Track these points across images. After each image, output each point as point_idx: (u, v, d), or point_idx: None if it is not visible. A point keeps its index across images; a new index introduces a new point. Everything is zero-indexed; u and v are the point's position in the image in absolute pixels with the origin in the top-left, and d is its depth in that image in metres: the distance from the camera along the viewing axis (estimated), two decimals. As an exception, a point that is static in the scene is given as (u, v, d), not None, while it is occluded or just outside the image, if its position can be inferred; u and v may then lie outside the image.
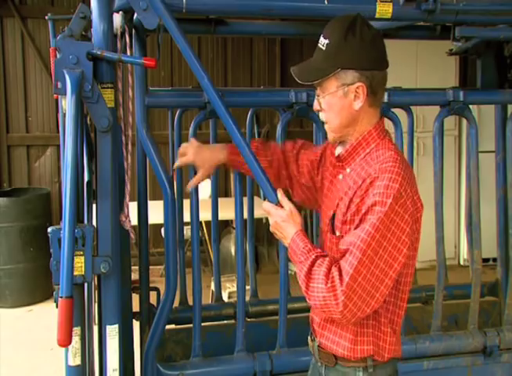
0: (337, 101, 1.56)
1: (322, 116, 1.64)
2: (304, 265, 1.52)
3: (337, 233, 1.59)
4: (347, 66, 1.53)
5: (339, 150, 1.68)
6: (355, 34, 1.52)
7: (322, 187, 1.79)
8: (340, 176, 1.66)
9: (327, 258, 1.52)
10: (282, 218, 1.64)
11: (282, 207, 1.66)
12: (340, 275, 1.45)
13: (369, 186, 1.49)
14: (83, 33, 1.90)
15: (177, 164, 2.10)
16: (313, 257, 1.52)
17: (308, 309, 1.79)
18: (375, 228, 1.44)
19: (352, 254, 1.45)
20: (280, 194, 1.69)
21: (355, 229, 1.49)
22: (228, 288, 3.93)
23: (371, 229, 1.44)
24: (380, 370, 1.61)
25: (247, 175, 2.12)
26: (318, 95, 1.61)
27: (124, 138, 1.91)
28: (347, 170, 1.63)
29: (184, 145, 2.08)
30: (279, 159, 1.97)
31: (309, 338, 1.76)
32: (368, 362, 1.60)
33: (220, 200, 2.75)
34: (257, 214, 2.79)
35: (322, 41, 1.56)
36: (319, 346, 1.67)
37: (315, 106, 1.64)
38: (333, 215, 1.61)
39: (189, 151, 2.03)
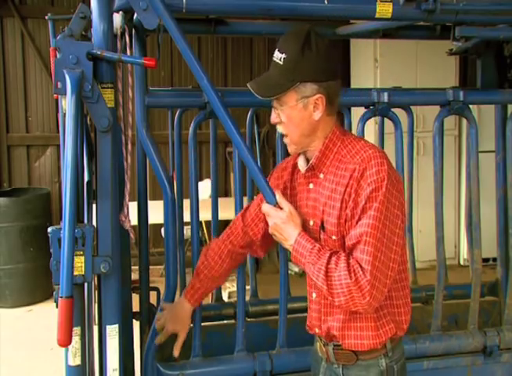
0: (297, 113, 1.61)
1: (280, 129, 1.67)
2: (321, 264, 1.54)
3: (334, 237, 1.60)
4: (306, 79, 1.57)
5: (302, 163, 1.72)
6: (311, 47, 1.56)
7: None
8: (311, 185, 1.69)
9: (341, 254, 1.55)
10: (282, 219, 1.64)
11: (281, 208, 1.66)
12: (361, 266, 1.50)
13: (360, 178, 1.54)
14: (83, 33, 1.90)
15: (158, 340, 2.09)
16: (327, 255, 1.55)
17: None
18: (379, 211, 1.51)
19: (367, 243, 1.50)
20: (279, 196, 1.69)
21: (359, 221, 1.53)
22: (228, 288, 3.94)
23: (376, 213, 1.51)
24: (397, 350, 1.71)
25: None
26: (276, 109, 1.64)
27: (124, 138, 1.91)
28: (321, 175, 1.66)
29: (157, 316, 2.09)
30: (226, 246, 2.00)
31: (318, 344, 1.76)
32: (387, 346, 1.66)
33: (220, 200, 2.74)
34: (257, 214, 2.79)
35: (279, 56, 1.59)
36: (335, 348, 1.68)
37: (274, 119, 1.67)
38: (322, 223, 1.63)
39: (166, 323, 2.05)
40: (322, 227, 1.63)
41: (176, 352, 2.05)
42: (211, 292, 2.16)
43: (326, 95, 1.59)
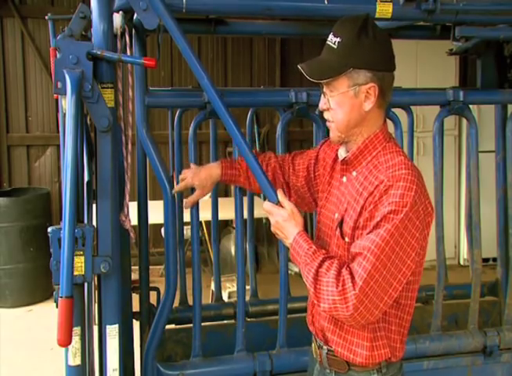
0: (348, 101, 1.54)
1: (328, 115, 1.60)
2: (312, 266, 1.51)
3: (347, 240, 1.56)
4: (360, 66, 1.50)
5: (342, 152, 1.66)
6: (368, 34, 1.50)
7: (321, 190, 1.78)
8: (344, 179, 1.64)
9: (335, 260, 1.51)
10: (283, 217, 1.62)
11: (282, 207, 1.65)
12: (353, 278, 1.45)
13: (384, 193, 1.47)
14: (83, 33, 1.90)
15: (176, 188, 2.12)
16: (320, 258, 1.51)
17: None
18: (390, 234, 1.44)
19: (366, 259, 1.44)
20: (281, 194, 1.68)
21: (368, 233, 1.47)
22: (229, 288, 3.93)
23: (386, 234, 1.44)
24: (392, 368, 1.63)
25: (246, 188, 2.13)
26: (325, 94, 1.58)
27: (124, 138, 1.91)
28: (354, 173, 1.61)
29: (184, 170, 2.12)
30: (275, 163, 1.98)
31: (314, 344, 1.74)
32: (382, 363, 1.60)
33: (220, 200, 2.75)
34: (257, 214, 2.80)
35: (333, 40, 1.53)
36: (328, 353, 1.65)
37: (322, 105, 1.60)
38: (341, 220, 1.59)
39: (188, 175, 2.08)
40: (341, 224, 1.59)
41: (187, 205, 2.11)
42: (238, 185, 2.15)
43: (380, 86, 1.51)
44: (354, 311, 1.44)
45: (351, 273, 1.46)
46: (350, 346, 1.59)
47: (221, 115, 1.84)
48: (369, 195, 1.50)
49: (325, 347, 1.66)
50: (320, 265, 1.50)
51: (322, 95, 1.60)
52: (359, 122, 1.57)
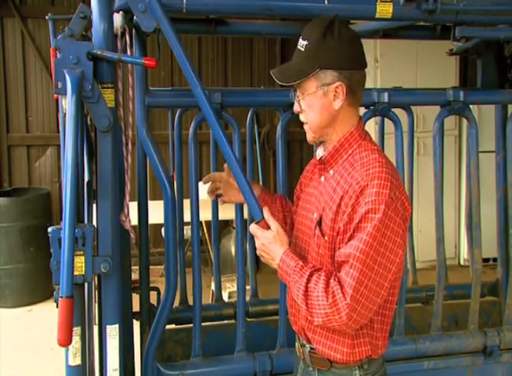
0: (317, 101, 1.57)
1: (302, 117, 1.64)
2: (301, 284, 1.51)
3: (326, 238, 1.57)
4: (326, 66, 1.54)
5: (320, 152, 1.68)
6: (333, 34, 1.53)
7: (304, 192, 1.78)
8: (322, 178, 1.66)
9: (322, 272, 1.51)
10: (268, 239, 1.61)
11: (268, 226, 1.64)
12: (342, 287, 1.45)
13: (360, 194, 1.48)
14: (83, 33, 1.90)
15: (209, 185, 2.10)
16: (308, 273, 1.51)
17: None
18: (371, 236, 1.44)
19: (353, 267, 1.44)
20: (266, 212, 1.66)
21: (350, 239, 1.48)
22: (229, 288, 3.93)
23: (368, 238, 1.44)
24: (374, 364, 1.64)
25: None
26: (298, 97, 1.62)
27: (124, 138, 1.91)
28: (331, 172, 1.63)
29: (218, 174, 2.09)
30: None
31: (297, 343, 1.75)
32: (363, 360, 1.61)
33: (220, 200, 2.75)
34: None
35: (301, 43, 1.57)
36: (311, 351, 1.66)
37: (296, 107, 1.65)
38: (320, 219, 1.59)
39: (220, 184, 2.05)
40: (319, 223, 1.59)
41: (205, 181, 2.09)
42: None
43: (347, 84, 1.54)
44: (348, 320, 1.45)
45: (340, 283, 1.46)
46: (331, 344, 1.60)
47: (212, 124, 1.80)
48: (344, 193, 1.52)
49: (307, 345, 1.67)
50: (308, 281, 1.50)
51: (295, 99, 1.64)
52: (331, 121, 1.60)
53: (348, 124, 1.61)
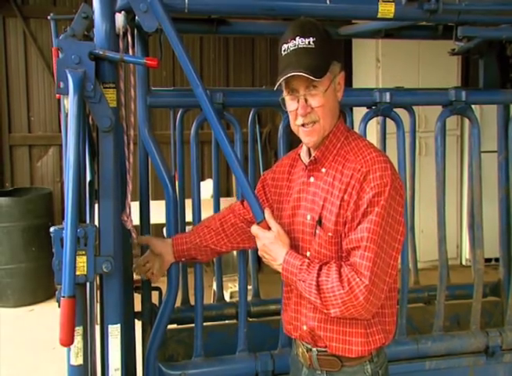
0: (331, 95, 1.60)
1: (310, 117, 1.58)
2: (312, 280, 1.51)
3: (330, 234, 1.57)
4: (335, 58, 1.58)
5: (304, 156, 1.69)
6: (325, 30, 1.60)
7: (279, 202, 1.78)
8: (312, 179, 1.66)
9: (332, 264, 1.52)
10: (269, 240, 1.62)
11: (269, 227, 1.64)
12: (357, 272, 1.47)
13: (363, 181, 1.52)
14: (85, 33, 1.90)
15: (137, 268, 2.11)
16: (317, 268, 1.52)
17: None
18: (381, 216, 1.49)
19: (367, 249, 1.47)
20: (268, 214, 1.66)
21: (359, 224, 1.50)
22: (230, 288, 3.93)
23: (377, 218, 1.48)
24: (381, 354, 1.66)
25: (203, 261, 2.10)
26: (306, 96, 1.56)
27: (126, 138, 1.91)
28: (323, 170, 1.63)
29: (144, 257, 2.09)
30: (235, 221, 1.98)
31: (299, 350, 1.73)
32: (373, 352, 1.62)
33: (222, 199, 2.74)
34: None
35: (306, 41, 1.54)
36: (319, 354, 1.65)
37: (304, 109, 1.57)
38: (319, 219, 1.59)
39: (149, 264, 2.06)
40: (319, 222, 1.59)
41: (137, 272, 2.09)
42: (196, 261, 2.09)
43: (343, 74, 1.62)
44: (365, 302, 1.47)
45: (354, 269, 1.48)
46: (345, 338, 1.60)
47: (213, 125, 1.80)
48: (347, 186, 1.54)
49: (314, 349, 1.66)
50: (319, 275, 1.51)
51: (300, 101, 1.57)
52: (335, 115, 1.63)
53: (336, 117, 1.64)
